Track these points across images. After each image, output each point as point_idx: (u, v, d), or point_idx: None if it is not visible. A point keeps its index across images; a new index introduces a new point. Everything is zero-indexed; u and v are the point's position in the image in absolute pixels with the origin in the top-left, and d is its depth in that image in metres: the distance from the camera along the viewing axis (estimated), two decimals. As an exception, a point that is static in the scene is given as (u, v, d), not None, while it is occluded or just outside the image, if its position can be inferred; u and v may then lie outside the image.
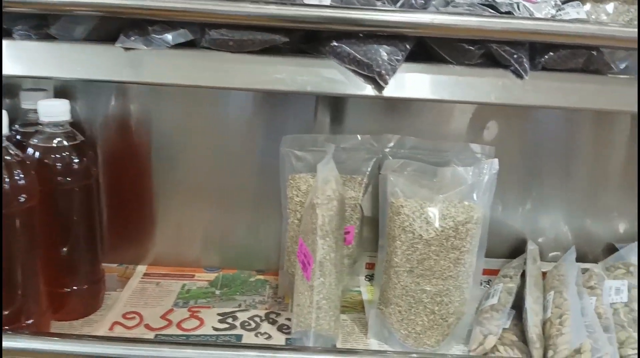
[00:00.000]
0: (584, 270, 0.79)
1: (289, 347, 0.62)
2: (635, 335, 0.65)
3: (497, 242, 0.88)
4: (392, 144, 0.76)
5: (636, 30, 0.62)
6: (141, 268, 0.84)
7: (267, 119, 0.83)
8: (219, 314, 0.72)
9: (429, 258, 0.62)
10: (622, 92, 0.65)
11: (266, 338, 0.67)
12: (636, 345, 0.63)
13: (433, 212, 0.61)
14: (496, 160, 0.64)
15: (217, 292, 0.78)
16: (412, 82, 0.61)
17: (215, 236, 0.86)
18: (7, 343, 0.54)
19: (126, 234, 0.87)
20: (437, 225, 0.61)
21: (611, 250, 0.85)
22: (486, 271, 0.84)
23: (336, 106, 0.83)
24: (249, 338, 0.67)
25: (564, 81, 0.63)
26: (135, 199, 0.86)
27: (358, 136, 0.77)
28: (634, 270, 0.75)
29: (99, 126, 0.83)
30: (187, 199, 0.85)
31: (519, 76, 0.63)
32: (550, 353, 0.62)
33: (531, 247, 0.82)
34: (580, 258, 0.87)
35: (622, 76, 0.65)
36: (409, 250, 0.62)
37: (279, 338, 0.68)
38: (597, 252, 0.88)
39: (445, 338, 0.66)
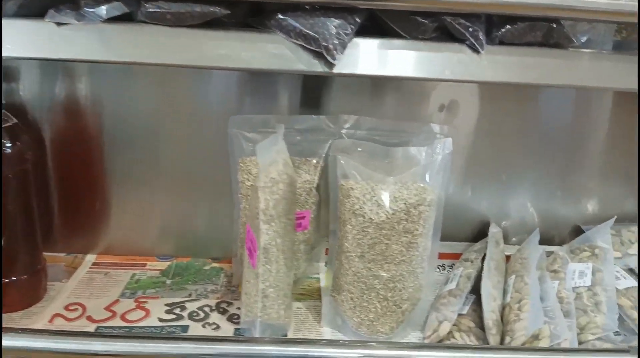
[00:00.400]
0: (549, 253, 0.77)
1: (231, 337, 0.59)
2: (597, 319, 0.62)
3: (462, 225, 0.86)
4: (349, 124, 0.72)
5: (600, 1, 0.60)
6: (90, 258, 0.80)
7: (234, 101, 0.79)
8: (166, 304, 0.69)
9: (380, 243, 0.59)
10: (584, 67, 0.62)
11: (214, 329, 0.64)
12: (597, 331, 0.61)
13: (384, 194, 0.58)
14: (449, 139, 0.61)
15: (168, 281, 0.75)
16: (363, 58, 0.58)
17: (171, 224, 0.83)
18: None
19: (77, 222, 0.83)
20: (387, 207, 0.58)
21: (578, 232, 0.83)
22: (450, 256, 0.82)
23: (324, 86, 0.79)
24: (195, 329, 0.64)
25: (522, 55, 0.60)
26: (87, 185, 0.81)
27: (313, 116, 0.73)
28: (599, 252, 0.73)
29: (46, 109, 0.79)
30: (143, 186, 0.81)
31: (475, 50, 0.60)
32: (507, 339, 0.60)
33: (494, 230, 0.80)
34: (547, 241, 0.85)
35: (584, 50, 0.62)
36: (359, 234, 0.59)
37: (227, 329, 0.65)
38: (564, 235, 0.86)
39: (399, 325, 0.63)
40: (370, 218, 0.58)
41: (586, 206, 0.85)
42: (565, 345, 0.58)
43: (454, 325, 0.63)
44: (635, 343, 0.59)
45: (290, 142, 0.72)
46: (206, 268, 0.79)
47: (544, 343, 0.59)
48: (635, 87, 0.63)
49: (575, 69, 0.61)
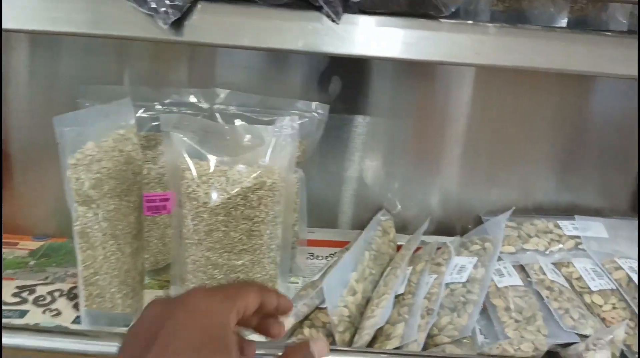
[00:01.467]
0: (443, 244, 0.71)
1: (29, 327, 0.54)
2: (459, 320, 0.57)
3: (365, 213, 0.80)
4: (221, 99, 0.67)
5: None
6: (-33, 234, 0.77)
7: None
8: (17, 287, 0.65)
9: (217, 230, 0.54)
10: (456, 41, 0.55)
11: (53, 316, 0.60)
12: (453, 333, 0.55)
13: (219, 177, 0.53)
14: (295, 117, 0.55)
15: (32, 263, 0.70)
16: (210, 25, 0.53)
17: (51, 202, 0.78)
18: None
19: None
20: (223, 191, 0.52)
21: (481, 222, 0.77)
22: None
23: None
24: (34, 314, 0.60)
25: (382, 25, 0.54)
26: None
27: (183, 89, 0.68)
28: (489, 246, 0.67)
29: None
30: (27, 163, 0.77)
31: (332, 19, 0.54)
32: (356, 337, 0.55)
33: (382, 218, 0.74)
34: (449, 231, 0.79)
35: (456, 22, 0.55)
36: (195, 219, 0.54)
37: (69, 315, 0.60)
38: (467, 225, 0.79)
39: (247, 320, 0.58)
40: (205, 202, 0.53)
41: (489, 195, 0.79)
42: (412, 346, 0.53)
43: (309, 319, 0.58)
44: (489, 350, 0.53)
45: (153, 117, 0.67)
46: (80, 249, 0.75)
47: (393, 343, 0.53)
48: (518, 63, 0.56)
49: (444, 43, 0.55)
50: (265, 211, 0.54)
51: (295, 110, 0.66)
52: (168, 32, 0.51)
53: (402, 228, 0.79)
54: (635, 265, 0.64)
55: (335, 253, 0.76)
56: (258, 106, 0.66)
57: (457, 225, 0.79)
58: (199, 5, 0.53)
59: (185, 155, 0.54)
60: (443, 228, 0.80)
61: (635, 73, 0.56)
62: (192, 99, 0.67)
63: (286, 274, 0.61)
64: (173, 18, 0.50)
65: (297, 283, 0.70)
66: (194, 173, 0.54)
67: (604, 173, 0.77)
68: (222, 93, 0.67)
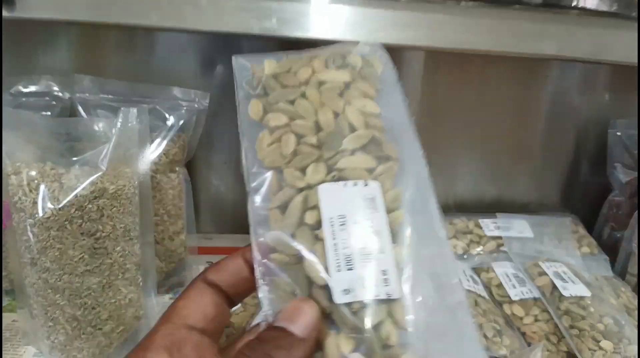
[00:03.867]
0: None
1: None
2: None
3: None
4: (83, 87, 0.56)
5: None
6: None
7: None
8: None
9: (52, 247, 0.44)
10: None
11: None
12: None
13: (48, 183, 0.43)
14: (134, 110, 0.45)
15: None
16: None
17: None
18: None
19: None
20: (54, 200, 0.43)
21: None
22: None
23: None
24: None
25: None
26: None
27: (38, 77, 0.57)
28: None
29: None
30: None
31: None
32: None
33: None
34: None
35: None
36: (24, 234, 0.44)
37: None
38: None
39: (105, 351, 0.49)
40: (33, 214, 0.43)
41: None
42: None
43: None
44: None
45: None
46: None
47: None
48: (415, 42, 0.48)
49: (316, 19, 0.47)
50: (111, 225, 0.45)
51: (172, 99, 0.56)
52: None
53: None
54: (560, 270, 0.57)
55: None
56: (127, 94, 0.56)
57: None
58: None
59: (12, 157, 0.44)
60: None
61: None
62: (49, 87, 0.56)
63: (155, 293, 0.51)
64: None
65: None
66: (22, 178, 0.43)
67: (531, 164, 0.70)
68: (84, 80, 0.56)
